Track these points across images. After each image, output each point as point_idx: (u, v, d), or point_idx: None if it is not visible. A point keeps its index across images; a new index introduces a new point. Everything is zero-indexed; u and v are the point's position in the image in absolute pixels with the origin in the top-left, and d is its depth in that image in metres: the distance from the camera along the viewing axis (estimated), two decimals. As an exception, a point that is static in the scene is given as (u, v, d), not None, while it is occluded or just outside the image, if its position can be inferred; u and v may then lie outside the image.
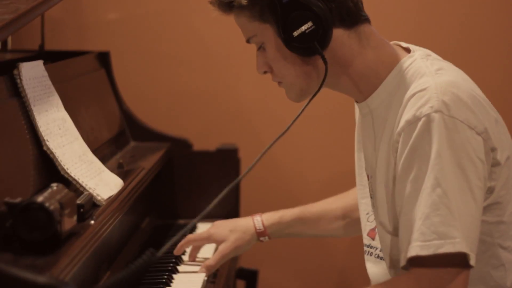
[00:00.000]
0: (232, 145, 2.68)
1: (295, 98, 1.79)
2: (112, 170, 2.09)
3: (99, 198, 1.85)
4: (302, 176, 3.11)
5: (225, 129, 3.06)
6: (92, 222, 1.72)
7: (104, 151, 2.28)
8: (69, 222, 1.59)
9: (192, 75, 3.06)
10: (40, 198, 1.52)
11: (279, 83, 1.79)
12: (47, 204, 1.51)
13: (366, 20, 1.75)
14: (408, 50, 1.78)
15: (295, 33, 1.68)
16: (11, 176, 1.69)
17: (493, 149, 1.64)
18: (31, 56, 2.45)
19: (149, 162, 2.37)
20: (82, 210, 1.71)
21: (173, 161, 2.63)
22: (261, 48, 1.76)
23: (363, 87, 1.75)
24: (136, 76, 3.04)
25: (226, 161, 2.64)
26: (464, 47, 3.00)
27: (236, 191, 2.65)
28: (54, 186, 1.60)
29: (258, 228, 2.14)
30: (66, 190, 1.61)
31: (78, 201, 1.71)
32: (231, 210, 2.59)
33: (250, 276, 2.62)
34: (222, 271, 2.20)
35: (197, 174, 2.64)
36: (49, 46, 2.66)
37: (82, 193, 1.81)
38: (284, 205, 3.05)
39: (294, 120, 1.72)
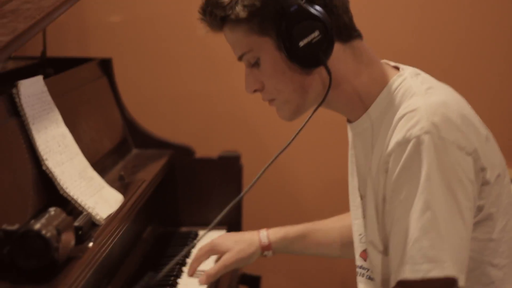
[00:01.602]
0: (234, 152, 2.67)
1: (289, 116, 1.75)
2: (113, 182, 2.09)
3: (98, 217, 1.85)
4: (304, 182, 3.11)
5: (228, 135, 3.05)
6: (91, 244, 1.72)
7: (105, 162, 2.28)
8: (67, 247, 1.60)
9: (194, 80, 3.05)
10: (37, 226, 1.52)
11: (271, 101, 1.75)
12: (43, 232, 1.52)
13: (359, 36, 1.74)
14: (397, 69, 1.76)
15: (301, 43, 1.64)
16: (10, 198, 1.69)
17: (483, 169, 1.63)
18: (33, 65, 2.45)
19: (151, 172, 2.36)
20: (80, 232, 1.71)
21: (175, 168, 2.62)
22: (254, 64, 1.72)
23: (356, 105, 1.73)
24: (138, 81, 3.03)
25: (229, 168, 2.63)
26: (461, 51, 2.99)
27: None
28: (52, 211, 1.61)
29: (263, 242, 2.12)
30: (63, 215, 1.61)
31: (76, 223, 1.71)
32: (233, 216, 2.59)
33: (253, 282, 2.62)
34: (224, 279, 2.19)
35: (199, 181, 2.63)
36: (51, 50, 2.64)
37: (81, 212, 1.81)
38: (286, 212, 3.07)
39: (296, 135, 1.69)
